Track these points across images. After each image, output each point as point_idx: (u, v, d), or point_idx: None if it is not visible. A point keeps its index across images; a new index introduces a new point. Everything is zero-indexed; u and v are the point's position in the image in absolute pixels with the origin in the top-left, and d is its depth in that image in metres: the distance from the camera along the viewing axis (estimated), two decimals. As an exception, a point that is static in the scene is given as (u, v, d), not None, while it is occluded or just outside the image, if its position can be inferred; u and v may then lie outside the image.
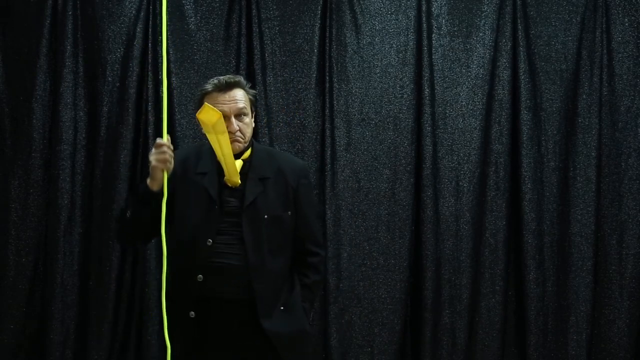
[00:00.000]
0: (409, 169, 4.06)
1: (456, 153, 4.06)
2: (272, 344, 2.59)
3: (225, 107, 2.60)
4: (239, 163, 2.63)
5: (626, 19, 4.10)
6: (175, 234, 2.60)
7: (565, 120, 4.10)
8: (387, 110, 4.06)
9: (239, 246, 2.59)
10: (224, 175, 2.62)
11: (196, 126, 3.90)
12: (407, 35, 4.08)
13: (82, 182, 3.95)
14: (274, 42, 4.04)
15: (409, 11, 4.07)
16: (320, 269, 2.80)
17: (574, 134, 4.08)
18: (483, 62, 4.08)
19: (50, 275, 3.89)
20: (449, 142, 4.06)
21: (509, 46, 4.08)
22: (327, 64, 4.04)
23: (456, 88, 4.07)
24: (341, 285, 4.00)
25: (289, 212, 2.69)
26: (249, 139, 2.69)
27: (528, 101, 4.06)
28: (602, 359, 4.04)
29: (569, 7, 4.10)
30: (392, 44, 4.07)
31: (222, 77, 2.68)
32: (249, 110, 2.67)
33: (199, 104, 2.67)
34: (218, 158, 2.60)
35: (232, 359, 2.61)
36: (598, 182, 4.06)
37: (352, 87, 4.05)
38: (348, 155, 4.04)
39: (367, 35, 4.06)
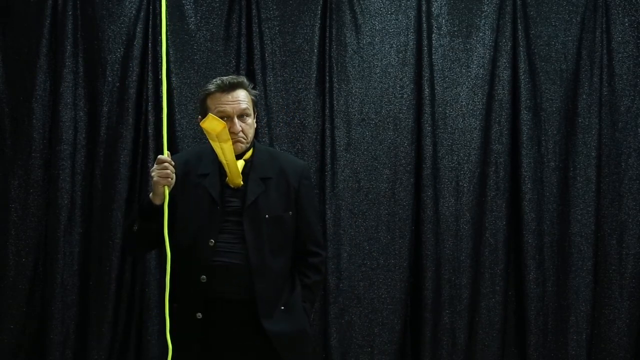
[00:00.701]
0: (409, 169, 4.06)
1: (456, 153, 4.06)
2: (272, 344, 2.59)
3: (228, 108, 2.61)
4: (240, 163, 2.64)
5: (626, 19, 4.10)
6: (177, 236, 2.60)
7: (565, 120, 4.10)
8: (387, 110, 4.06)
9: (240, 245, 2.60)
10: (225, 176, 2.63)
11: (196, 126, 3.89)
12: (407, 35, 4.08)
13: (82, 182, 3.94)
14: (274, 42, 4.04)
15: (409, 11, 4.07)
16: (321, 269, 2.81)
17: (574, 134, 4.08)
18: (483, 62, 4.08)
19: (50, 275, 3.89)
20: (449, 142, 4.06)
21: (509, 46, 4.08)
22: (327, 64, 4.04)
23: (456, 88, 4.07)
24: (341, 285, 4.00)
25: (290, 213, 2.69)
26: (251, 140, 2.70)
27: (528, 101, 4.06)
28: (602, 359, 4.04)
29: (569, 7, 4.10)
30: (392, 44, 4.07)
31: (224, 77, 2.68)
32: (251, 111, 2.67)
33: (202, 105, 2.68)
34: (221, 162, 2.61)
35: (233, 359, 2.61)
36: (598, 182, 4.06)
37: (352, 87, 4.05)
38: (348, 155, 4.04)
39: (367, 35, 4.06)
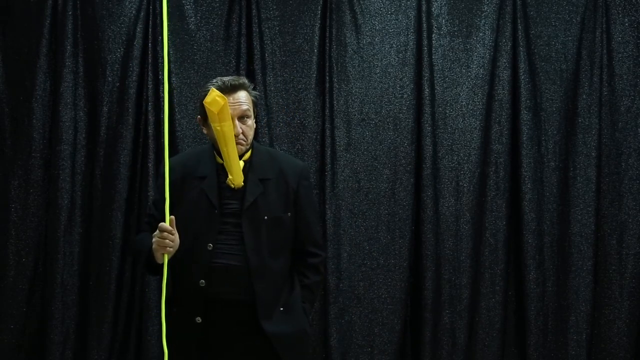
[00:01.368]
0: (409, 169, 4.06)
1: (456, 153, 4.06)
2: (272, 345, 2.59)
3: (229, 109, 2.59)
4: (240, 164, 2.63)
5: (626, 19, 4.10)
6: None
7: (565, 120, 4.10)
8: (387, 110, 4.06)
9: (240, 247, 2.59)
10: (223, 178, 2.61)
11: (196, 126, 3.90)
12: (407, 35, 4.07)
13: (82, 182, 3.94)
14: (274, 42, 4.04)
15: (409, 11, 4.07)
16: (320, 269, 2.81)
17: (574, 134, 4.08)
18: (483, 62, 4.08)
19: (50, 275, 3.89)
20: (449, 142, 4.06)
21: (509, 46, 4.08)
22: (327, 64, 4.04)
23: (456, 88, 4.07)
24: (341, 285, 4.00)
25: (289, 213, 2.69)
26: (251, 141, 2.69)
27: (528, 101, 4.06)
28: (602, 359, 4.04)
29: (569, 7, 4.10)
30: (392, 44, 4.07)
31: (225, 78, 2.66)
32: (252, 112, 2.66)
33: (202, 105, 2.67)
34: (222, 153, 2.57)
35: (232, 360, 2.62)
36: (598, 182, 4.06)
37: (352, 87, 4.05)
38: (348, 155, 4.04)
39: (367, 35, 4.06)
